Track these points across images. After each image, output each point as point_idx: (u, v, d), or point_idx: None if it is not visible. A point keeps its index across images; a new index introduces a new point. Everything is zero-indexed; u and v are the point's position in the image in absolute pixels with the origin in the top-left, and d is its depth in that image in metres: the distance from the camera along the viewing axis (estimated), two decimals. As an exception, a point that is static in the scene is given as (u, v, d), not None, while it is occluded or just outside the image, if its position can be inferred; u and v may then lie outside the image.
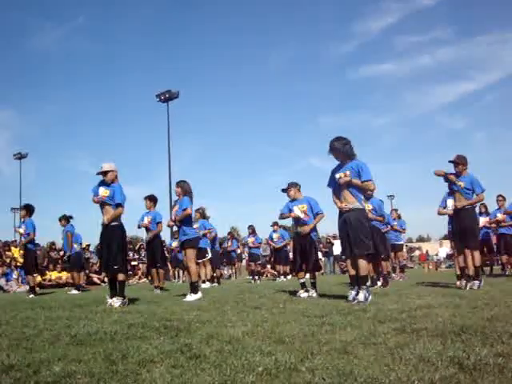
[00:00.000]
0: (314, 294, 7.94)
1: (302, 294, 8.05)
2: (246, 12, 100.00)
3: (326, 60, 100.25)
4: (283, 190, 8.54)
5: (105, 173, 7.71)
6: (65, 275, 17.45)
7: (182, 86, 79.36)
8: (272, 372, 2.59)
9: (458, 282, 8.94)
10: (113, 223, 7.66)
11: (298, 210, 8.39)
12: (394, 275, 13.61)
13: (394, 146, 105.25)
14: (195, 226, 13.69)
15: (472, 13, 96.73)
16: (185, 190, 8.84)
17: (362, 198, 6.87)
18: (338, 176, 6.78)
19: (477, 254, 8.38)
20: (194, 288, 8.34)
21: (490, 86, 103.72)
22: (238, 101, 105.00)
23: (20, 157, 47.30)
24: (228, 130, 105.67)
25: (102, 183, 7.81)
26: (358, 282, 6.63)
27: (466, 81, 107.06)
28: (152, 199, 11.83)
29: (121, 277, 7.71)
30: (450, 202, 8.84)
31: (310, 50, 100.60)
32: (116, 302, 7.39)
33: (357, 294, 6.53)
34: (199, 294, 8.21)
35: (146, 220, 11.71)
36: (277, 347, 3.24)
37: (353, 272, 6.79)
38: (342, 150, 6.73)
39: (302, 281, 8.32)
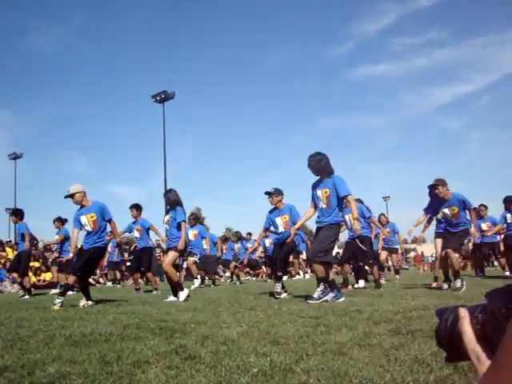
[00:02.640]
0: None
1: (283, 294, 8.37)
2: (243, 12, 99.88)
3: (323, 61, 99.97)
4: (267, 193, 8.64)
5: (72, 195, 7.93)
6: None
7: (178, 87, 79.21)
8: (267, 373, 2.59)
9: (435, 284, 9.18)
10: (102, 242, 7.90)
11: (280, 221, 8.73)
12: (397, 276, 14.03)
13: (391, 146, 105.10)
14: (194, 231, 14.03)
15: (468, 14, 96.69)
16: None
17: (340, 213, 7.28)
18: (319, 194, 7.14)
19: (454, 255, 8.52)
20: (179, 286, 8.42)
21: (486, 88, 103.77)
22: (235, 101, 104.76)
23: (15, 157, 47.13)
24: (224, 131, 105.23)
25: (81, 210, 8.10)
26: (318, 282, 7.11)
27: (462, 82, 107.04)
28: (139, 208, 11.91)
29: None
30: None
31: (307, 51, 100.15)
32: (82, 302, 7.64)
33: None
34: (186, 290, 8.30)
35: (137, 230, 11.86)
36: (272, 348, 3.24)
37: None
38: (316, 166, 7.08)
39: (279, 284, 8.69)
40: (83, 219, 7.99)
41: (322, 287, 6.84)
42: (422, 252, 39.96)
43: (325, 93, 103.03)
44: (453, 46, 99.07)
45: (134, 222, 11.84)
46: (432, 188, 8.65)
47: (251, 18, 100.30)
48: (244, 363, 2.79)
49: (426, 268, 29.06)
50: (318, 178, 7.24)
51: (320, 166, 7.03)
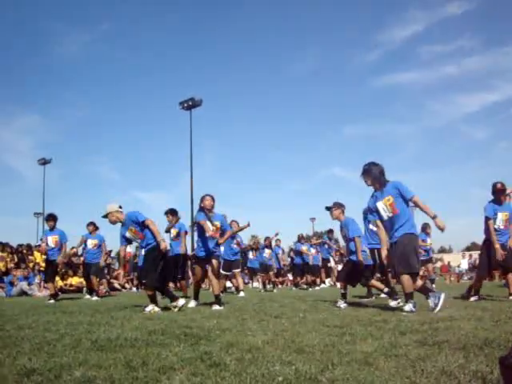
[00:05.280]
0: (342, 305, 7.93)
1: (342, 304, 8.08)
2: (269, 20, 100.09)
3: (349, 68, 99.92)
4: (327, 208, 8.57)
5: (106, 215, 7.94)
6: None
7: (206, 94, 79.54)
8: (292, 382, 2.58)
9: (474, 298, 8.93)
10: (153, 244, 7.80)
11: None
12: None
13: (417, 155, 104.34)
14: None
15: (498, 23, 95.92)
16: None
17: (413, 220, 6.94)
18: (380, 206, 6.86)
19: None
20: (218, 301, 8.20)
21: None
22: (261, 108, 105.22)
23: (44, 162, 47.83)
24: (251, 138, 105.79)
25: (122, 227, 7.99)
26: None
27: (491, 91, 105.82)
28: (175, 213, 11.96)
29: (149, 291, 7.85)
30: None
31: (334, 58, 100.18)
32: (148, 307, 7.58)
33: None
34: (221, 307, 7.98)
35: (174, 232, 11.96)
36: (297, 357, 3.22)
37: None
38: (373, 175, 6.87)
39: (342, 291, 8.49)
40: (128, 235, 7.90)
41: (411, 301, 6.56)
42: (449, 262, 39.45)
43: (351, 100, 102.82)
44: (483, 54, 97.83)
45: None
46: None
47: (277, 25, 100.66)
48: (269, 371, 2.78)
49: (452, 279, 28.68)
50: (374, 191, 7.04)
51: (376, 175, 6.86)
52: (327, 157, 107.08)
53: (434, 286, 14.74)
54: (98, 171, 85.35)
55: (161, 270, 7.74)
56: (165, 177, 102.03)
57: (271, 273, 18.47)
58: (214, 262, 8.51)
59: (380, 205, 6.84)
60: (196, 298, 9.04)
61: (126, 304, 8.57)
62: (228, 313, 6.81)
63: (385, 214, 6.83)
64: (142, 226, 7.78)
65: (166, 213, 11.82)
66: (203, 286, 10.70)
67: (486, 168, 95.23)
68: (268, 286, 18.38)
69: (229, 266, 14.01)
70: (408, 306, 6.45)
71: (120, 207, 7.97)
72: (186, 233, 12.35)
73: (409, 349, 3.44)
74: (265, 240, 18.93)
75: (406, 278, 6.61)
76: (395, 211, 6.69)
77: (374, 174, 6.85)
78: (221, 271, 13.77)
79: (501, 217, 8.83)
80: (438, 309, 6.33)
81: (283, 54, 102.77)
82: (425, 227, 14.35)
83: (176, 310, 7.54)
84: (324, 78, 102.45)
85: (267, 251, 18.54)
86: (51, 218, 12.65)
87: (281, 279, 22.45)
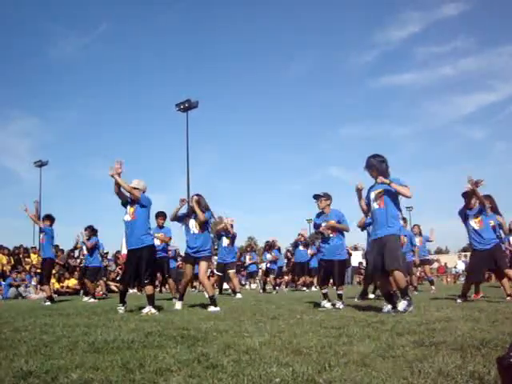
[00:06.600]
0: (341, 306, 7.87)
1: (326, 304, 8.02)
2: (267, 21, 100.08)
3: (346, 69, 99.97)
4: (315, 197, 8.44)
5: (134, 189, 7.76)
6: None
7: (202, 96, 79.55)
8: (289, 383, 2.57)
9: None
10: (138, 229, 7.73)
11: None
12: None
13: (414, 156, 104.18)
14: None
15: (494, 23, 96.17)
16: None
17: (401, 223, 6.96)
18: (372, 196, 6.86)
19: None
20: (213, 301, 8.18)
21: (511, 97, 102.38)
22: (259, 110, 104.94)
23: (40, 164, 47.75)
24: (247, 139, 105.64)
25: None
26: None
27: (487, 91, 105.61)
28: (166, 217, 11.99)
29: (150, 290, 7.78)
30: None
31: (331, 59, 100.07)
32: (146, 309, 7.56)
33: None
34: (217, 308, 7.95)
35: (159, 237, 11.96)
36: (294, 358, 3.22)
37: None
38: (377, 167, 6.80)
39: (324, 291, 8.29)
40: (128, 206, 7.80)
41: (407, 298, 6.53)
42: (446, 263, 39.48)
43: (349, 101, 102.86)
44: (479, 54, 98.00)
45: (161, 228, 12.02)
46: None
47: (275, 26, 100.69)
48: (266, 373, 2.78)
49: (449, 279, 28.74)
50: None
51: (381, 167, 6.79)
52: (324, 157, 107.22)
53: (433, 287, 14.77)
54: (94, 173, 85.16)
55: (132, 271, 7.82)
56: (162, 178, 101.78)
57: (272, 276, 18.55)
58: (203, 263, 8.49)
59: (372, 194, 6.86)
60: (181, 298, 8.85)
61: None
62: (225, 314, 6.81)
63: (374, 204, 6.83)
64: (141, 207, 7.74)
65: (157, 216, 11.88)
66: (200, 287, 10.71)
67: (484, 168, 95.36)
68: (267, 288, 18.43)
69: (223, 267, 14.05)
70: (402, 304, 6.42)
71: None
72: (170, 238, 12.37)
73: (406, 350, 3.43)
74: (265, 244, 18.99)
75: (398, 273, 6.58)
76: (381, 204, 6.70)
77: (380, 167, 6.82)
78: (215, 272, 13.79)
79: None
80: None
81: (281, 55, 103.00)
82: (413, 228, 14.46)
83: (120, 311, 7.67)
84: (321, 79, 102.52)
85: (268, 256, 18.58)
86: (46, 218, 12.65)
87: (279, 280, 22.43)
